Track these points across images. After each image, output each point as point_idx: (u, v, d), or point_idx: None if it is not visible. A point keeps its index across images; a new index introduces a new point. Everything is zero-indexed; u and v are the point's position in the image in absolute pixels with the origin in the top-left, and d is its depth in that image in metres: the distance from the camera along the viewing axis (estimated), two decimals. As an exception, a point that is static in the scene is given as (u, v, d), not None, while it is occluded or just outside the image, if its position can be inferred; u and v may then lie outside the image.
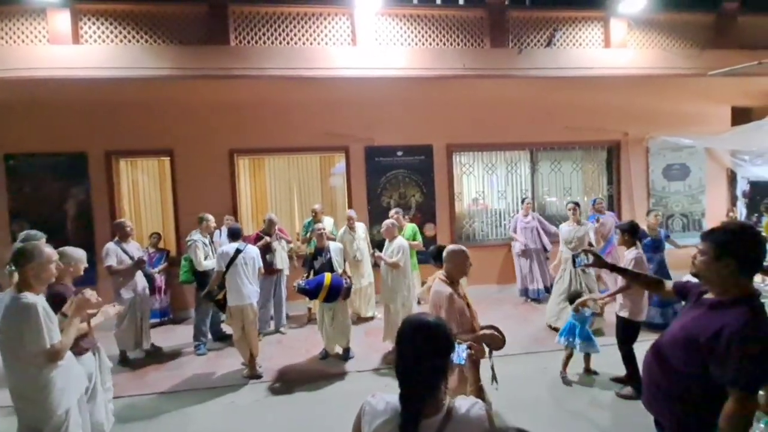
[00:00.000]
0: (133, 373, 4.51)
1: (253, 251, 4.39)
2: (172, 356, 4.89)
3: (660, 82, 6.50)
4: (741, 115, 7.53)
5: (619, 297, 3.60)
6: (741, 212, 7.43)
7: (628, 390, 3.52)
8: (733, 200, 7.54)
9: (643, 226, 4.94)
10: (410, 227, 5.57)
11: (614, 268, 2.17)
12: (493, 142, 6.99)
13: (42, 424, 2.17)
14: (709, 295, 1.69)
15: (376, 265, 5.82)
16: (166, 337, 5.40)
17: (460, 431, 1.13)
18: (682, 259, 4.47)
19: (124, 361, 4.64)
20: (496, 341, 2.29)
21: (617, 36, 6.37)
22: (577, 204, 5.30)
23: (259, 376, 4.22)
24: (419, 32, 6.02)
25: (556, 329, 4.60)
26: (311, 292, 4.29)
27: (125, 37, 5.50)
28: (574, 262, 2.27)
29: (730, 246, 1.54)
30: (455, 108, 6.76)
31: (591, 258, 2.17)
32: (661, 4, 6.31)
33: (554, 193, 7.20)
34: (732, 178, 7.57)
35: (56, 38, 5.33)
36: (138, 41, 5.51)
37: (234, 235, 4.38)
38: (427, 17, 6.03)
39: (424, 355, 1.16)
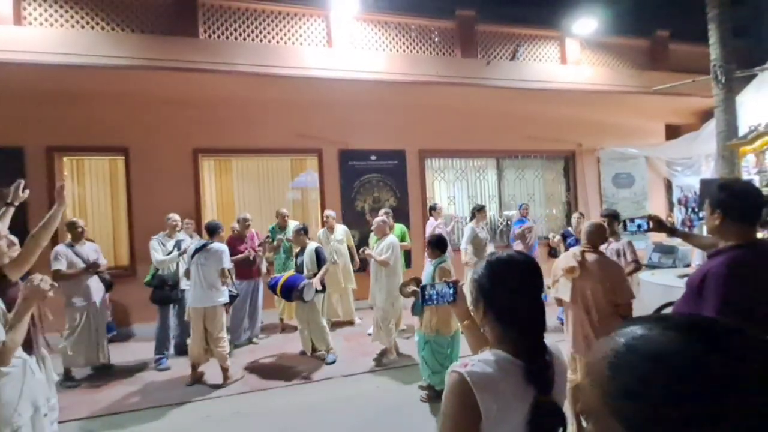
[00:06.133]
0: (82, 392, 3.90)
1: (217, 248, 3.98)
2: (127, 373, 4.31)
3: (607, 97, 7.14)
4: (672, 132, 8.48)
5: None
6: (677, 217, 8.24)
7: None
8: (671, 206, 8.36)
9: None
10: (398, 228, 5.49)
11: (675, 232, 2.25)
12: (462, 148, 7.21)
13: None
14: None
15: (360, 270, 5.65)
16: (120, 353, 4.76)
17: (559, 365, 1.08)
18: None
19: (69, 380, 4.00)
20: None
21: (572, 54, 6.94)
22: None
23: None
24: (394, 38, 6.13)
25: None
26: (272, 288, 4.42)
27: (77, 21, 5.01)
28: (625, 226, 2.31)
29: (717, 199, 1.70)
30: (427, 115, 6.91)
31: (649, 223, 2.22)
32: (608, 28, 7.00)
33: (519, 199, 7.51)
34: (669, 187, 8.42)
35: (-7, 17, 4.72)
36: (93, 26, 5.04)
37: (208, 231, 4.11)
38: (401, 25, 6.17)
39: (537, 290, 1.07)
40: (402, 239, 5.37)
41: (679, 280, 4.95)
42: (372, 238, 5.47)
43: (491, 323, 1.07)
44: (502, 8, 7.03)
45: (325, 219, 5.52)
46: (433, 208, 5.96)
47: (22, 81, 5.06)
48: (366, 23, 6.01)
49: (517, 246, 5.91)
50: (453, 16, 6.39)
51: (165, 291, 4.44)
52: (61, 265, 3.92)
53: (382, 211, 5.51)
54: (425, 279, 3.49)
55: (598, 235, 2.78)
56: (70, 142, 5.53)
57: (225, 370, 3.96)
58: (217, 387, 3.90)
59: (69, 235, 4.18)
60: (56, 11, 4.96)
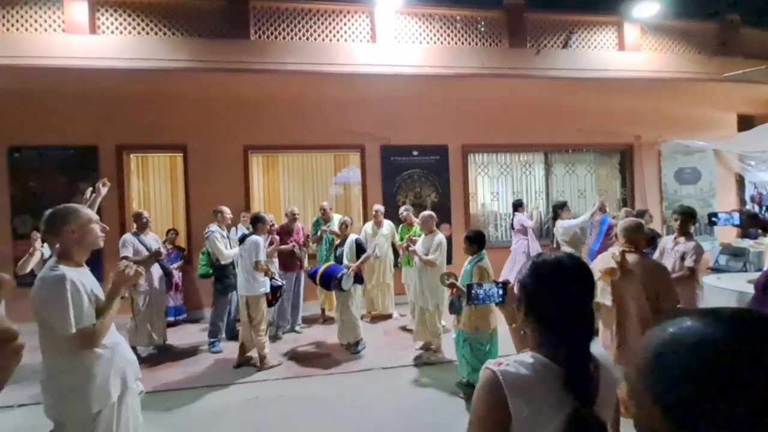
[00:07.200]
0: (144, 369, 4.24)
1: (252, 240, 4.17)
2: (185, 354, 4.67)
3: (671, 85, 6.60)
4: (745, 123, 7.68)
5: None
6: (751, 217, 7.48)
7: None
8: (742, 204, 7.60)
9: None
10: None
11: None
12: (508, 143, 6.99)
13: (68, 419, 1.78)
14: None
15: (396, 266, 5.69)
16: (178, 335, 5.17)
17: (607, 377, 1.01)
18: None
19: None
20: None
21: (631, 39, 6.47)
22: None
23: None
24: (439, 31, 6.05)
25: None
26: (311, 277, 4.64)
27: (143, 28, 5.41)
28: (710, 222, 2.20)
29: None
30: (471, 109, 6.77)
31: (741, 217, 2.11)
32: (672, 11, 6.45)
33: (569, 196, 7.17)
34: (741, 183, 7.66)
35: (72, 27, 5.22)
36: (156, 33, 5.43)
37: (251, 222, 4.39)
38: (446, 17, 6.07)
39: (586, 294, 1.03)
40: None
41: (749, 285, 4.52)
42: (400, 230, 5.48)
43: (532, 325, 1.05)
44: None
45: (374, 213, 5.58)
46: (519, 204, 5.87)
47: (97, 85, 5.57)
48: (410, 17, 5.98)
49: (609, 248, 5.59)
50: (500, 5, 6.19)
51: (230, 279, 4.73)
52: (128, 252, 4.30)
53: (403, 207, 5.53)
54: (463, 277, 3.40)
55: (637, 234, 2.60)
56: (136, 140, 6.02)
57: (262, 358, 4.21)
58: (258, 369, 4.16)
59: (135, 225, 4.56)
60: (125, 20, 5.39)
